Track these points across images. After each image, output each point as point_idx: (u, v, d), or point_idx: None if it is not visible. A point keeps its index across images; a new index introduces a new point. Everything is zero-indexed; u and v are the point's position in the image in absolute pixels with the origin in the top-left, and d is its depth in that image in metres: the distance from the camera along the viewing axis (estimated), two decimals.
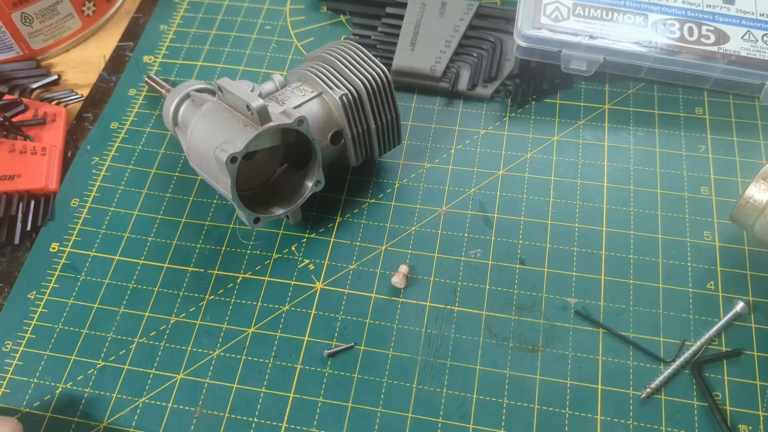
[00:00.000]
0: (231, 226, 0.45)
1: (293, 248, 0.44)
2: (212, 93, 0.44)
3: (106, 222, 0.46)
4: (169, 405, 0.39)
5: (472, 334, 0.40)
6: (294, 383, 0.39)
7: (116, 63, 0.56)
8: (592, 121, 0.49)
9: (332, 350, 0.39)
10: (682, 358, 0.38)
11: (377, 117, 0.43)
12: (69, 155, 0.50)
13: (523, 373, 0.38)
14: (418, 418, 0.37)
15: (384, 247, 0.44)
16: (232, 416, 0.38)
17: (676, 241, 0.43)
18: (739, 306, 0.39)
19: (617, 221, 0.44)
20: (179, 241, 0.45)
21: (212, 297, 0.42)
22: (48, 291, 0.43)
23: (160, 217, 0.46)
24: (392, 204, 0.46)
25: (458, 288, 0.42)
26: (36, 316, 0.42)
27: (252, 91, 0.41)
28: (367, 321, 0.41)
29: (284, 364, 0.39)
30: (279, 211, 0.42)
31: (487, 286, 0.42)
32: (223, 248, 0.44)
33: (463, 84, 0.51)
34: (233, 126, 0.38)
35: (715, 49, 0.47)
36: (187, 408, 0.38)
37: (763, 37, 0.47)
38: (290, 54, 0.55)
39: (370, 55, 0.42)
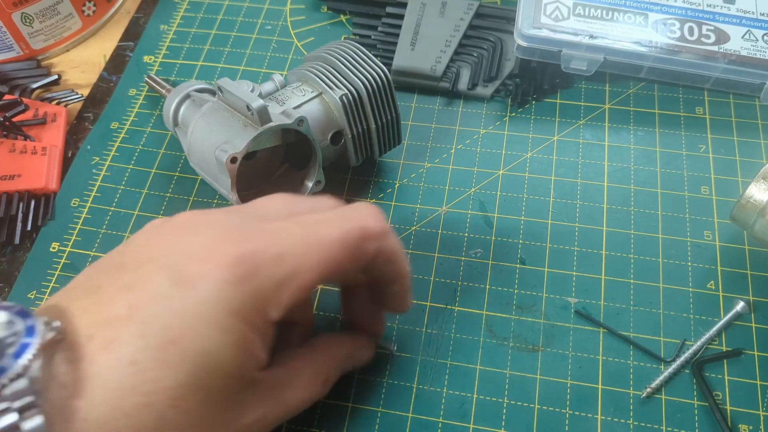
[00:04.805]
0: None
1: None
2: (212, 93, 0.44)
3: (107, 222, 0.46)
4: None
5: (473, 334, 0.40)
6: None
7: (116, 63, 0.56)
8: (592, 121, 0.49)
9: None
10: (682, 358, 0.38)
11: (377, 117, 0.43)
12: (69, 155, 0.50)
13: (523, 372, 0.38)
14: (418, 418, 0.37)
15: None
16: None
17: (677, 240, 0.43)
18: (740, 306, 0.39)
19: (617, 221, 0.44)
20: None
21: None
22: (48, 291, 0.43)
23: (160, 216, 0.46)
24: (392, 204, 0.46)
25: (458, 288, 0.42)
26: None
27: (252, 91, 0.41)
28: None
29: None
30: None
31: (487, 286, 0.42)
32: None
33: (463, 84, 0.51)
34: (233, 126, 0.38)
35: (715, 48, 0.47)
36: None
37: (763, 36, 0.47)
38: (290, 54, 0.55)
39: (370, 55, 0.42)
